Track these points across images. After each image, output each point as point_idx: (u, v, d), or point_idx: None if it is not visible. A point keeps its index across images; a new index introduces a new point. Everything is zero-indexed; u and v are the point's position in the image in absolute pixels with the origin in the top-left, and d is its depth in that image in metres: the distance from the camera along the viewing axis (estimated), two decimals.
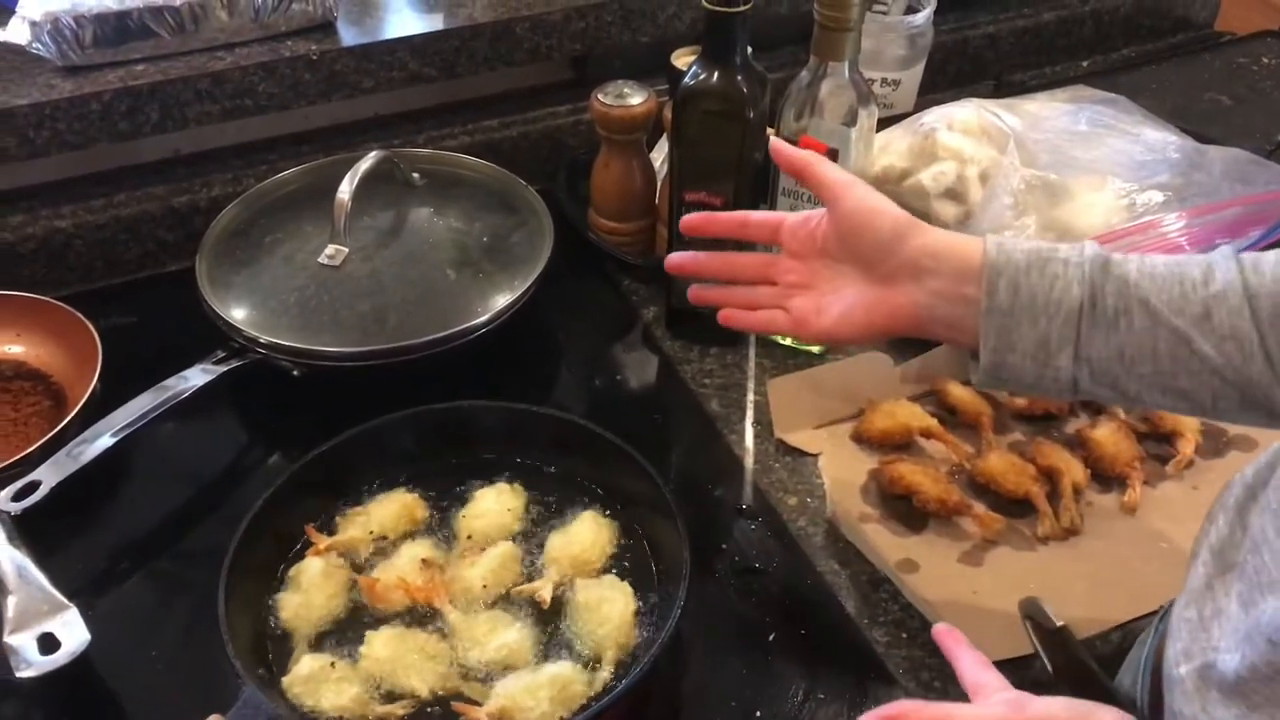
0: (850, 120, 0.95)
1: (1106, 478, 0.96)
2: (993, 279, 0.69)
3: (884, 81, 1.24)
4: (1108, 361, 0.68)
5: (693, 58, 0.99)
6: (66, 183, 1.17)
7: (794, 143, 0.97)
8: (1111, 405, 0.98)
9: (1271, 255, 0.67)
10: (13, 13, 1.06)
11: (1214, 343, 0.66)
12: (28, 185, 1.16)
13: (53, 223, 1.13)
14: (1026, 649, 0.81)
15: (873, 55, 1.22)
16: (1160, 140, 1.14)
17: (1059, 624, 0.75)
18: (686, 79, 0.96)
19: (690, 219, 0.82)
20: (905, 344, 1.08)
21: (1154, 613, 0.82)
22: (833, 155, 0.95)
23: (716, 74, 0.94)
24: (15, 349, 1.04)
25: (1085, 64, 1.57)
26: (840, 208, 0.75)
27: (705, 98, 0.95)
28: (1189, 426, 0.98)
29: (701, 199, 1.00)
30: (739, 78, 0.94)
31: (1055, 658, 0.74)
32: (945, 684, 0.81)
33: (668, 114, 1.10)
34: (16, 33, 1.06)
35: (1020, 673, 0.80)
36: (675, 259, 0.83)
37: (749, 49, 0.95)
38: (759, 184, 1.00)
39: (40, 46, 1.06)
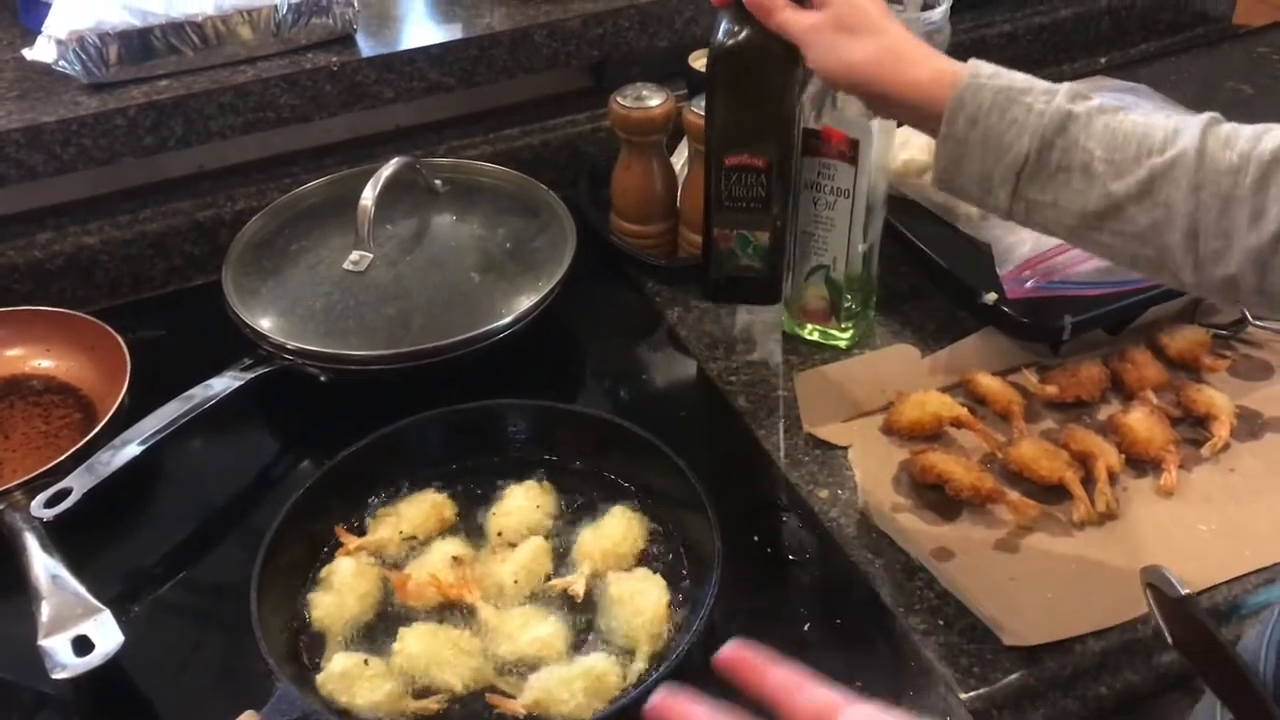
0: (871, 112, 0.94)
1: (1141, 463, 0.94)
2: (954, 110, 0.76)
3: None
4: (1042, 206, 0.75)
5: None
6: (93, 200, 1.18)
7: (815, 134, 0.96)
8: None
9: (1248, 131, 0.70)
10: (38, 32, 1.08)
11: (1145, 209, 0.71)
12: (56, 203, 1.17)
13: (80, 239, 1.14)
14: (1064, 634, 0.80)
15: None
16: None
17: (1184, 592, 0.71)
18: (719, 36, 0.91)
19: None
20: (933, 337, 1.08)
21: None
22: (853, 146, 0.95)
23: (749, 28, 0.89)
24: (45, 363, 1.05)
25: (1103, 60, 1.56)
26: None
27: (741, 52, 0.90)
28: (1223, 409, 0.97)
29: (744, 161, 0.96)
30: None
31: (1175, 628, 0.71)
32: (984, 670, 0.80)
33: (688, 116, 1.10)
34: (43, 51, 1.07)
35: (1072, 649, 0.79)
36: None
37: None
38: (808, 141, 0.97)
39: (66, 64, 1.07)
